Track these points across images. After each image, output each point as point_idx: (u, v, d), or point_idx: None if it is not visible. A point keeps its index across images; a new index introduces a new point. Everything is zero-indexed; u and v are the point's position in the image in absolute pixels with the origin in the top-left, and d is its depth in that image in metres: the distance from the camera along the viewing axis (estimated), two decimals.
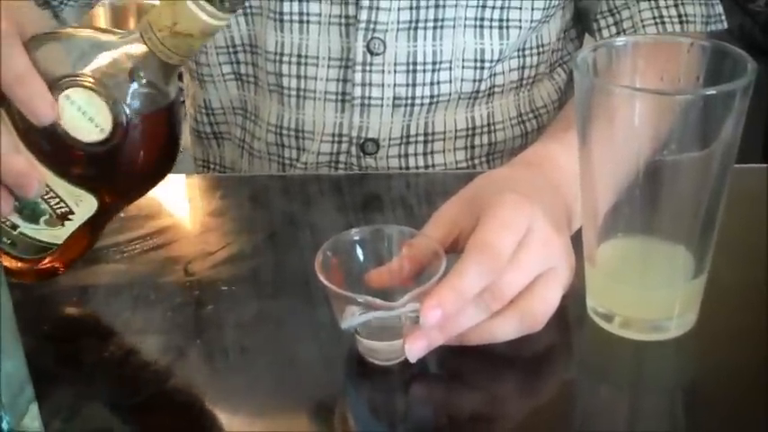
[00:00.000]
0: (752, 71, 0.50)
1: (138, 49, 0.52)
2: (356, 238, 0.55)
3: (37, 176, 0.53)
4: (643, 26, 0.79)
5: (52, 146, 0.53)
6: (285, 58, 0.79)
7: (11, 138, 0.53)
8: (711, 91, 0.50)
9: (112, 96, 0.52)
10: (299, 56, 0.79)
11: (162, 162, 0.56)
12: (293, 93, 0.80)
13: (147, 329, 0.58)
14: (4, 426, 0.45)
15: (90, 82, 0.52)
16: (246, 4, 0.79)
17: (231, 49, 0.82)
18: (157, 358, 0.56)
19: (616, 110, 0.52)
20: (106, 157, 0.53)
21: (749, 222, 0.65)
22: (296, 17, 0.77)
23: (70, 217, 0.56)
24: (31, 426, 0.47)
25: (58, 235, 0.57)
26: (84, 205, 0.55)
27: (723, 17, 0.80)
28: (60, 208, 0.55)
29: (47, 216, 0.55)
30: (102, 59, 0.52)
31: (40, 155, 0.53)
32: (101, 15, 1.69)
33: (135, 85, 0.52)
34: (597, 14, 0.82)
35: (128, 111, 0.52)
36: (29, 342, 0.46)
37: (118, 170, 0.54)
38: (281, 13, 0.77)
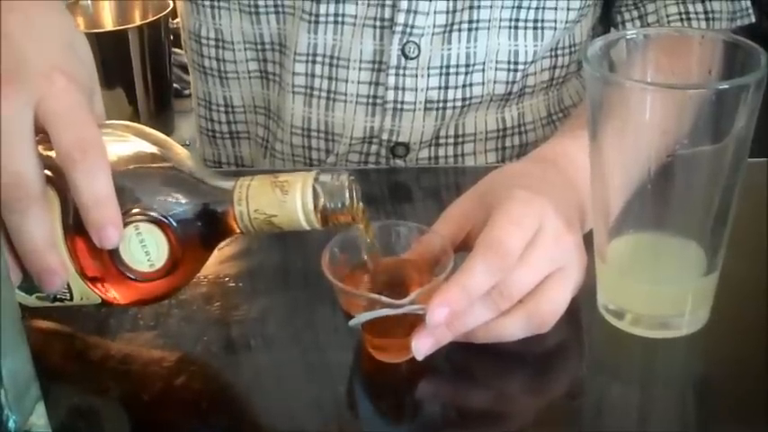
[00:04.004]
0: (765, 64, 0.50)
1: (221, 203, 0.51)
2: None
3: (64, 278, 0.50)
4: (668, 21, 0.78)
5: (92, 253, 0.51)
6: (318, 59, 0.78)
7: (51, 232, 0.49)
8: (724, 85, 0.49)
9: (177, 239, 0.51)
10: (332, 57, 0.78)
11: (179, 288, 0.55)
12: (323, 94, 0.79)
13: (154, 326, 0.57)
14: (11, 425, 0.44)
15: (164, 221, 0.50)
16: (279, 2, 0.78)
17: (259, 47, 0.81)
18: (164, 355, 0.55)
19: (627, 104, 0.51)
20: (136, 283, 0.52)
21: (763, 219, 0.65)
22: (331, 18, 0.77)
23: (65, 302, 0.54)
24: (37, 424, 0.46)
25: (41, 305, 0.54)
26: (86, 300, 0.53)
27: (750, 10, 0.79)
28: (62, 295, 0.53)
29: (43, 294, 0.53)
30: (184, 200, 0.51)
31: (72, 246, 0.50)
32: (106, 7, 1.69)
33: (198, 233, 0.51)
34: (621, 6, 0.81)
35: (182, 253, 0.51)
36: (34, 340, 0.46)
37: (138, 292, 0.53)
38: (317, 15, 0.77)
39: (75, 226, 0.50)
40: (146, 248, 0.50)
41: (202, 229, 0.51)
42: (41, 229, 0.49)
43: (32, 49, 0.52)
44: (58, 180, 0.50)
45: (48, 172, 0.50)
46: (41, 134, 0.50)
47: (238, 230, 0.51)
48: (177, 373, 0.54)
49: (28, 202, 0.48)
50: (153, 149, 0.52)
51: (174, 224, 0.50)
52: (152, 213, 0.50)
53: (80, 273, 0.51)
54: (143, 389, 0.53)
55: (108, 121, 0.54)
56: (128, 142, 0.52)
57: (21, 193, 0.48)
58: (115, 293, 0.52)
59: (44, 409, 0.47)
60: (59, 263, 0.50)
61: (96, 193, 0.48)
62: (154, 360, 0.55)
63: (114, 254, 0.50)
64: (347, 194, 0.49)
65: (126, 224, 0.49)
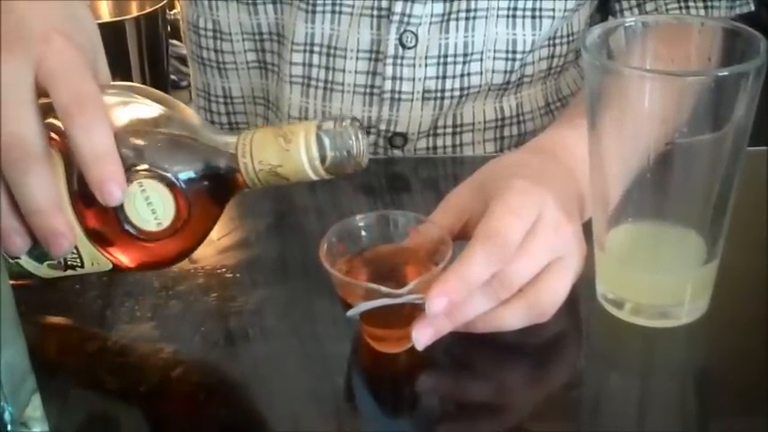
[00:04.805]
0: (765, 52, 0.49)
1: (225, 157, 0.50)
2: (361, 224, 0.55)
3: (71, 240, 0.49)
4: (667, 9, 0.78)
5: (98, 214, 0.50)
6: (315, 49, 0.78)
7: (55, 192, 0.49)
8: (723, 72, 0.49)
9: (183, 196, 0.50)
10: (329, 47, 0.78)
11: (190, 250, 0.54)
12: (321, 84, 0.79)
13: (152, 317, 0.57)
14: (7, 416, 0.44)
15: (168, 177, 0.50)
16: None
17: (257, 37, 0.81)
18: (161, 347, 0.55)
19: (626, 92, 0.51)
20: (145, 243, 0.51)
21: (763, 207, 0.64)
22: (328, 8, 0.76)
23: (77, 269, 0.53)
24: (33, 416, 0.46)
25: (54, 275, 0.54)
26: (97, 266, 0.53)
27: None
28: (73, 261, 0.53)
29: (54, 262, 0.53)
30: (188, 155, 0.50)
31: (78, 209, 0.50)
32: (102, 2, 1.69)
33: (204, 189, 0.51)
34: None
35: (188, 213, 0.50)
36: (30, 332, 0.46)
37: (148, 254, 0.52)
38: (314, 4, 0.76)
39: (80, 187, 0.49)
40: (152, 206, 0.50)
41: (209, 185, 0.51)
42: (44, 190, 0.49)
43: (33, 17, 0.52)
44: (64, 145, 0.49)
45: (55, 136, 0.50)
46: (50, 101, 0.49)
47: (245, 185, 0.51)
48: (174, 364, 0.54)
49: (29, 162, 0.48)
50: (157, 108, 0.52)
51: (179, 179, 0.50)
52: (156, 169, 0.50)
53: (89, 236, 0.51)
54: (140, 380, 0.53)
55: (113, 83, 0.54)
56: (132, 101, 0.52)
57: (21, 152, 0.48)
58: (125, 256, 0.52)
59: (40, 401, 0.46)
60: (65, 224, 0.49)
61: (96, 148, 0.48)
62: (151, 352, 0.55)
63: (121, 213, 0.50)
64: (351, 141, 0.49)
65: (130, 181, 0.49)
